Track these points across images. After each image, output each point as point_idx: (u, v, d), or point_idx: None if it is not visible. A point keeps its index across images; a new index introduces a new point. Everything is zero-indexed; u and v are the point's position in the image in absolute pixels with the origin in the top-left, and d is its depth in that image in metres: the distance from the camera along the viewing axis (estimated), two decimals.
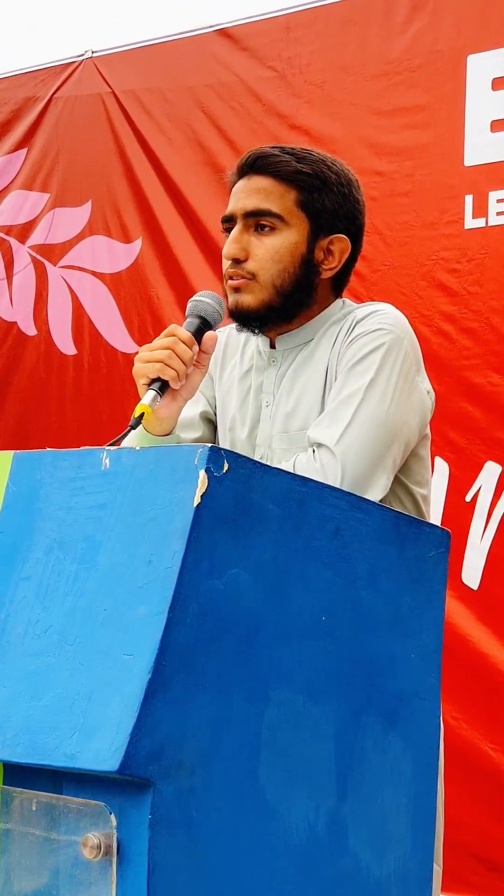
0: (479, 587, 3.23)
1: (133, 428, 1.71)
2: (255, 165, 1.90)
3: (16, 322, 4.34)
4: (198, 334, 1.81)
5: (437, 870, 1.70)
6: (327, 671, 1.31)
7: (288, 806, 1.26)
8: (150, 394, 1.74)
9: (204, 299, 1.84)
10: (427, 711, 1.44)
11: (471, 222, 3.30)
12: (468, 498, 3.27)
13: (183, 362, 1.77)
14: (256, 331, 1.93)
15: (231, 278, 1.89)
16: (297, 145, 1.98)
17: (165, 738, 1.13)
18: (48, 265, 4.26)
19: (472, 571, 3.24)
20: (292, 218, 1.88)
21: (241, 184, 1.91)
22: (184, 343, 1.77)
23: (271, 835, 1.24)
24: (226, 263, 1.90)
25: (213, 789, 1.18)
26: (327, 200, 1.89)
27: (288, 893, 1.26)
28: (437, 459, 3.26)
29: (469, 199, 3.30)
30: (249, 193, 1.89)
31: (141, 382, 1.78)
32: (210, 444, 1.18)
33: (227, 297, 1.92)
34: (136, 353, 1.81)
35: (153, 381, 1.75)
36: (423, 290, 3.36)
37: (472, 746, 3.17)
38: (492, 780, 3.16)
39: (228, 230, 1.92)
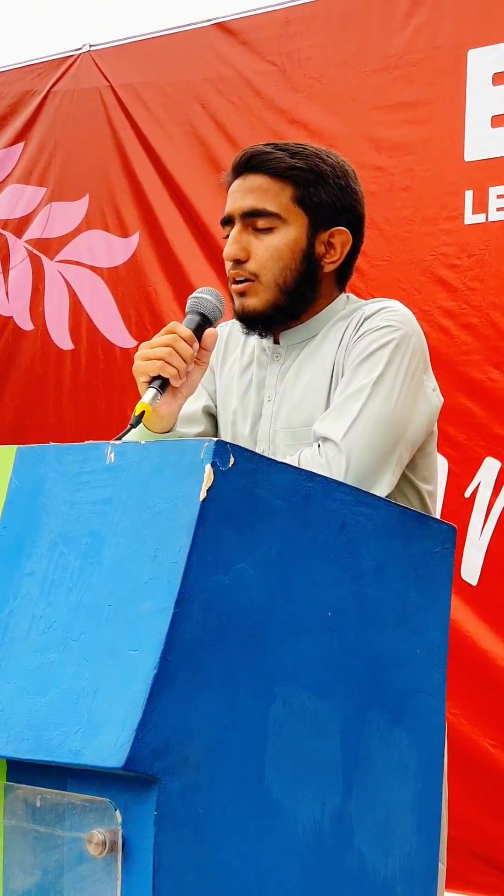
0: (478, 583, 3.22)
1: (134, 426, 1.70)
2: (248, 164, 1.88)
3: (12, 317, 4.33)
4: (198, 331, 1.80)
5: (442, 868, 1.69)
6: (333, 667, 1.30)
7: (294, 803, 1.25)
8: (151, 392, 1.73)
9: (204, 296, 1.83)
10: (432, 708, 1.43)
11: (471, 218, 3.29)
12: (467, 494, 3.27)
13: (184, 360, 1.75)
14: (263, 333, 1.92)
15: (235, 281, 1.88)
16: (290, 141, 1.96)
17: (171, 735, 1.12)
18: (45, 259, 4.25)
19: (471, 567, 3.23)
20: (290, 215, 1.86)
21: (236, 184, 1.90)
22: (184, 340, 1.76)
23: (277, 832, 1.23)
24: (227, 265, 1.88)
25: (218, 786, 1.17)
26: (324, 194, 1.88)
27: (293, 891, 1.25)
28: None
29: (469, 194, 3.29)
30: (245, 193, 1.88)
31: (141, 380, 1.76)
32: (216, 439, 1.17)
33: (232, 300, 1.90)
34: (134, 348, 1.80)
35: (153, 378, 1.74)
36: (422, 286, 3.35)
37: (472, 743, 3.17)
38: (491, 777, 3.15)
39: (229, 233, 1.90)
